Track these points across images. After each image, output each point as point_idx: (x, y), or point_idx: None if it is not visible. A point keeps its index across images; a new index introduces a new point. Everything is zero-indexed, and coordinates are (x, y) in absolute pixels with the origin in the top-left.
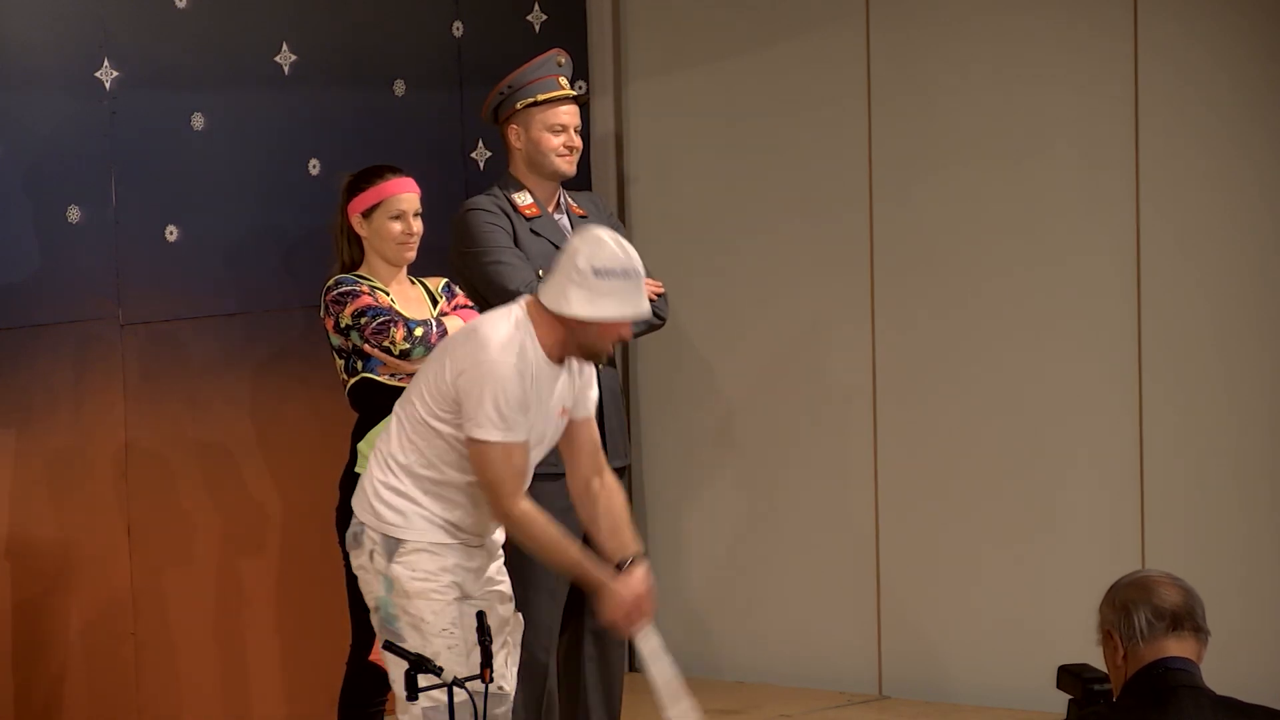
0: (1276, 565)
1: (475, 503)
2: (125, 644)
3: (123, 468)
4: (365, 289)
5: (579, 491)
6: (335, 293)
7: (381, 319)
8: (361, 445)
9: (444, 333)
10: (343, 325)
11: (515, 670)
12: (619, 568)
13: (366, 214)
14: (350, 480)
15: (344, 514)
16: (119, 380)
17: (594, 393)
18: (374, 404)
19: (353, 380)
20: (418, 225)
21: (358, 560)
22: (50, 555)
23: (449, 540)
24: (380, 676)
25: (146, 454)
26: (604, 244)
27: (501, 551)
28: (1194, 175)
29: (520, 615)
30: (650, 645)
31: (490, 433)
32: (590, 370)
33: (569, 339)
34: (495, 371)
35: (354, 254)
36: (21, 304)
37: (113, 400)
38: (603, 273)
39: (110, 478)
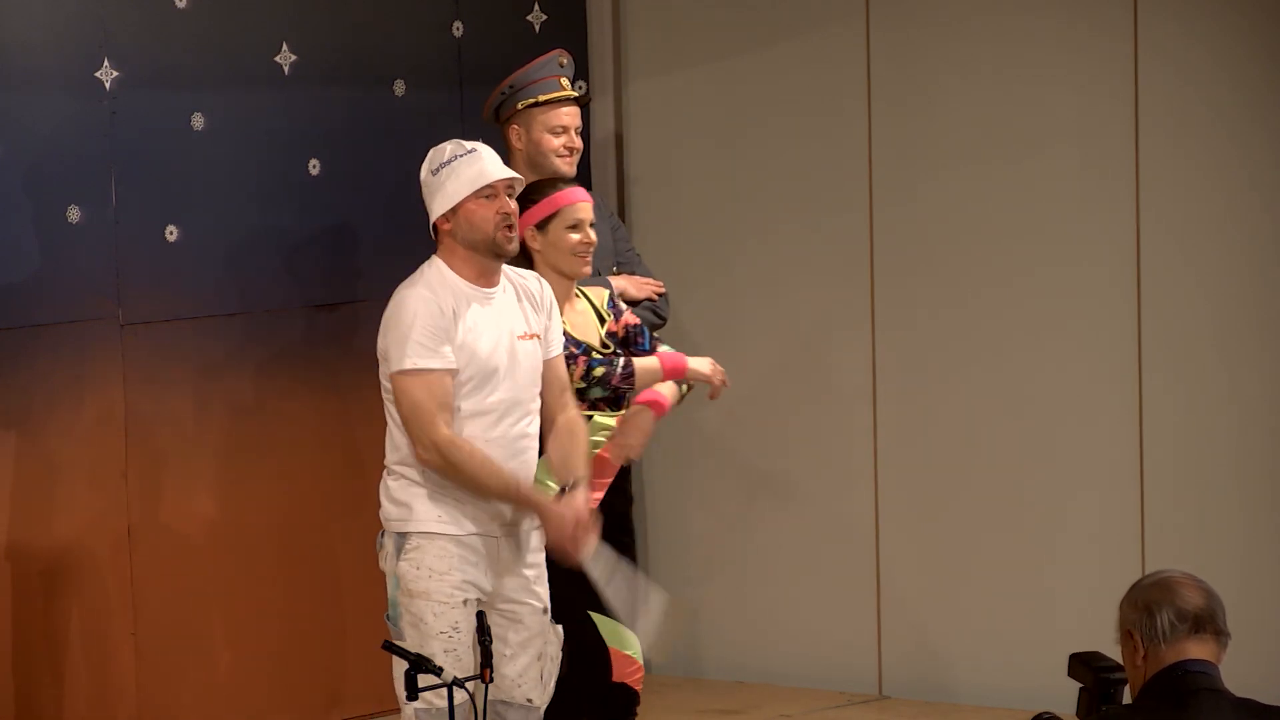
0: (1276, 565)
1: None
2: (125, 644)
3: (123, 468)
4: None
5: (545, 420)
6: None
7: (620, 368)
8: (544, 460)
9: (629, 374)
10: None
11: (552, 685)
12: (561, 492)
13: (541, 225)
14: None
15: None
16: (119, 380)
17: (556, 328)
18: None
19: None
20: (594, 235)
21: (381, 564)
22: (50, 555)
23: (454, 529)
24: (630, 696)
25: (146, 454)
26: (436, 149)
27: (537, 551)
28: (1194, 175)
29: (559, 629)
30: (600, 568)
31: (400, 363)
32: (547, 299)
33: (472, 248)
34: (401, 304)
35: None
36: (21, 304)
37: (113, 400)
38: (442, 165)
39: (110, 478)
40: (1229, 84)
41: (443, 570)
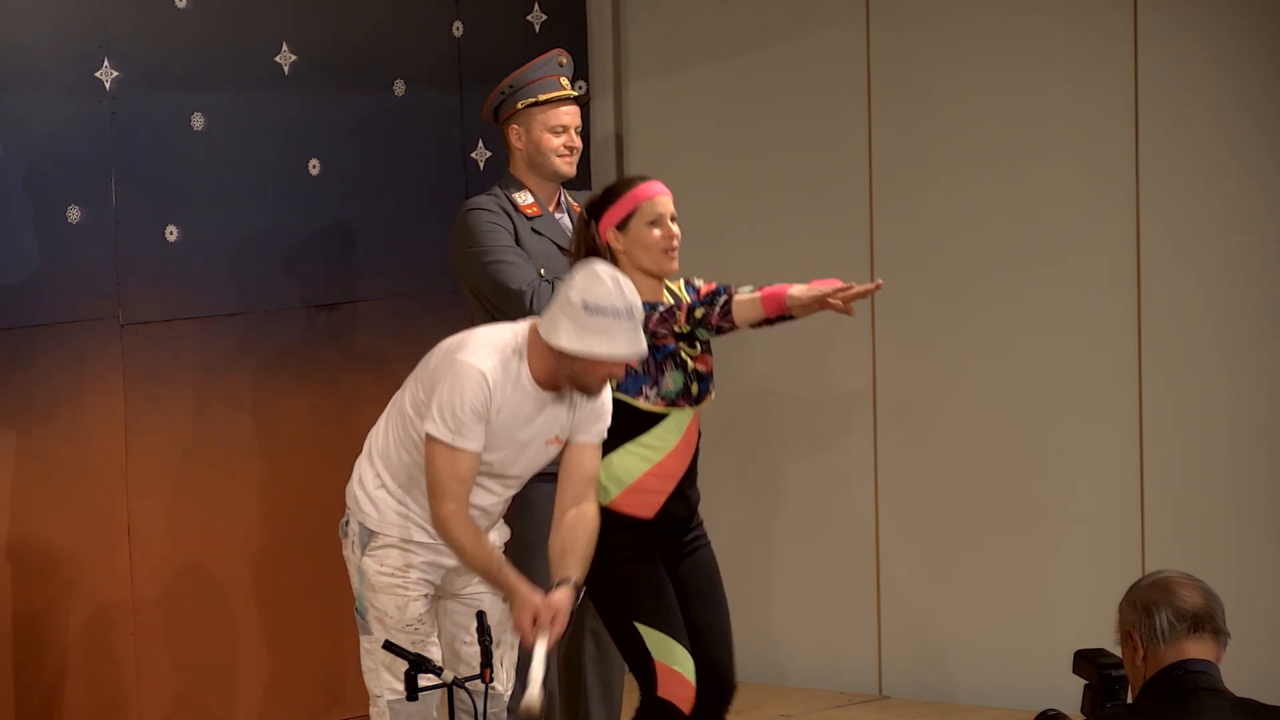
0: (1275, 564)
1: None
2: (125, 644)
3: (123, 468)
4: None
5: (559, 510)
6: None
7: (663, 309)
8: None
9: (726, 311)
10: None
11: (512, 669)
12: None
13: (621, 225)
14: None
15: None
16: (119, 380)
17: (602, 424)
18: (619, 426)
19: None
20: (676, 229)
21: (345, 551)
22: (50, 556)
23: (423, 539)
24: (674, 715)
25: (146, 454)
26: (599, 280)
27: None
28: (1194, 175)
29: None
30: (538, 657)
31: (437, 430)
32: (603, 401)
33: (559, 369)
34: (463, 372)
35: None
36: (21, 304)
37: (113, 400)
38: (593, 309)
39: (110, 478)
40: (1229, 84)
41: (402, 567)
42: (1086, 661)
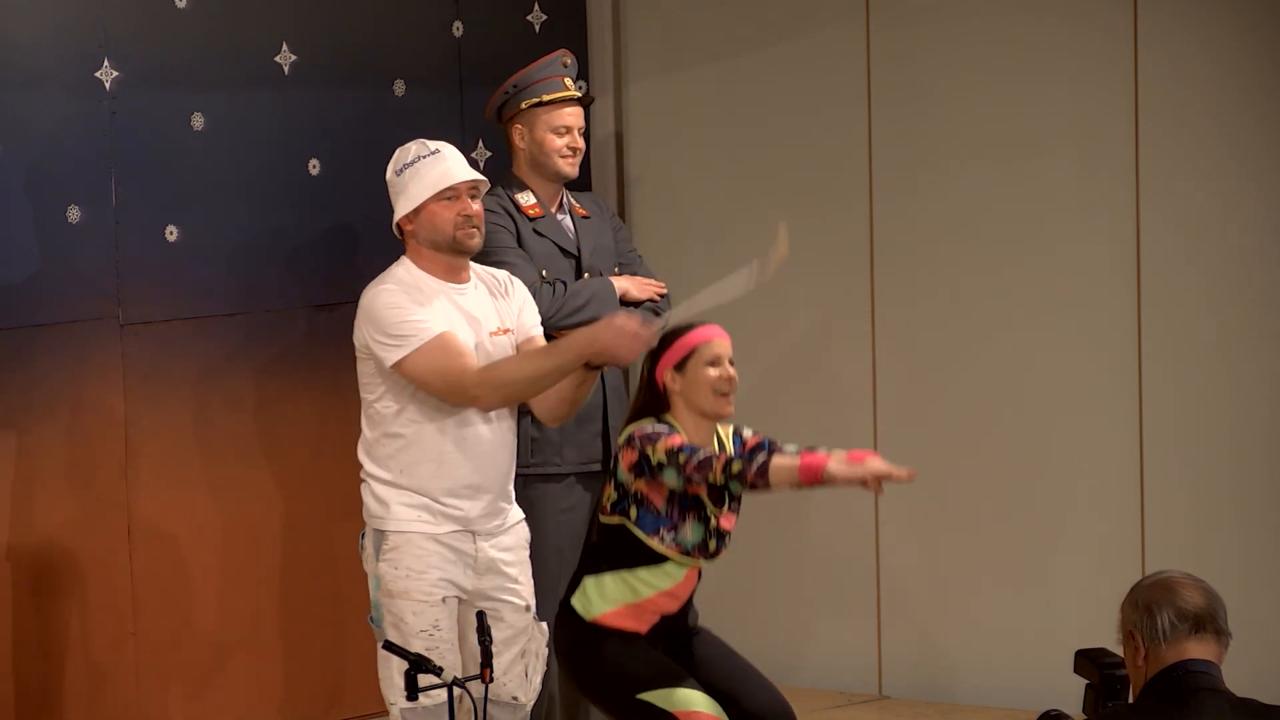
0: (1276, 564)
1: (439, 456)
2: (125, 644)
3: (123, 468)
4: (678, 432)
5: (544, 399)
6: (649, 430)
7: (702, 455)
8: (588, 581)
9: (764, 471)
10: (654, 461)
11: (539, 681)
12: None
13: (679, 367)
14: (566, 610)
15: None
16: (119, 380)
17: (531, 313)
18: (620, 552)
19: (614, 519)
20: (734, 371)
21: (365, 565)
22: (50, 555)
23: (432, 527)
24: None
25: (146, 454)
26: (401, 149)
27: (515, 549)
28: (1194, 175)
29: (544, 625)
30: (679, 310)
31: (397, 352)
32: (517, 291)
33: (431, 248)
34: (375, 299)
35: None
36: (21, 304)
37: (113, 400)
38: (402, 168)
39: (110, 478)
40: (1229, 84)
41: (420, 569)
42: (1088, 661)
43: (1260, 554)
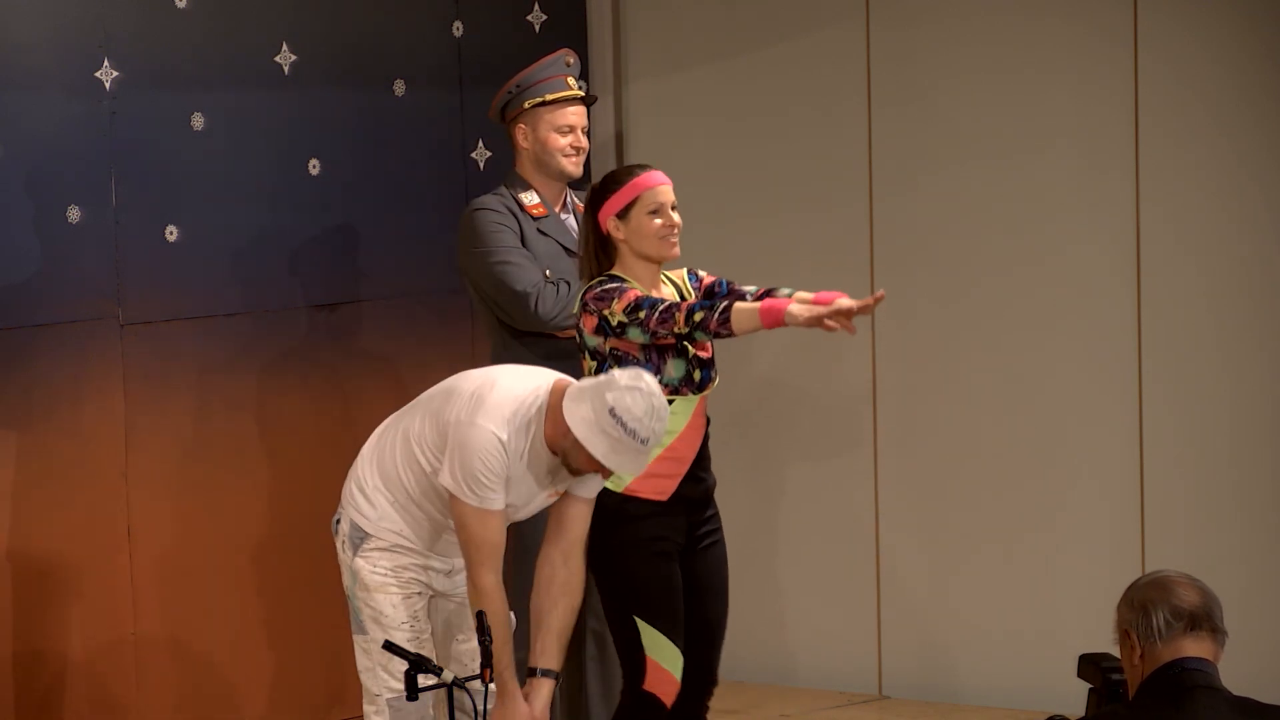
0: (1276, 564)
1: (436, 532)
2: (125, 644)
3: (123, 468)
4: (630, 286)
5: (544, 562)
6: (598, 290)
7: (663, 307)
8: None
9: (725, 319)
10: (615, 323)
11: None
12: (531, 673)
13: (621, 214)
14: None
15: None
16: (119, 380)
17: (599, 482)
18: None
19: None
20: (677, 217)
21: (337, 549)
22: (50, 556)
23: (411, 545)
24: (657, 707)
25: (146, 454)
26: (638, 396)
27: None
28: (1194, 176)
29: (512, 615)
30: None
31: (462, 494)
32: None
33: (559, 439)
34: (481, 439)
35: (604, 265)
36: (21, 304)
37: (113, 400)
38: (618, 419)
39: (110, 478)
40: (1229, 84)
41: (393, 568)
42: (1091, 665)
43: (1261, 554)
